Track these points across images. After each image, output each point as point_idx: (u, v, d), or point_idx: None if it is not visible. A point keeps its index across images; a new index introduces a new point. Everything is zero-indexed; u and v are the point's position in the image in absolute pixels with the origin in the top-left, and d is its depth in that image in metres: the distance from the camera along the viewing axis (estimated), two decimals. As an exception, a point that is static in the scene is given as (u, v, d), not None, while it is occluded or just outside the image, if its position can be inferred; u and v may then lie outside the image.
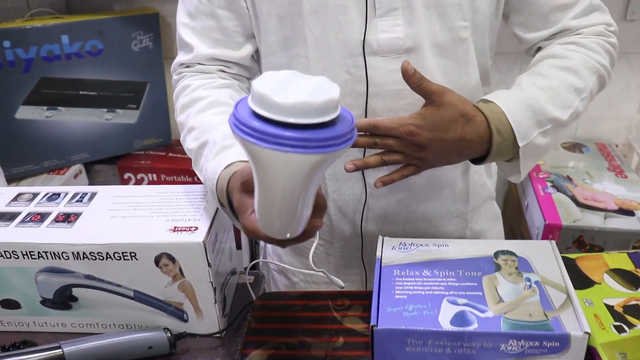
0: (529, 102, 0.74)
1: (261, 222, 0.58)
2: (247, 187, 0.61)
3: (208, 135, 0.75)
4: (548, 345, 0.58)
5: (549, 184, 1.37)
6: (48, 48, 1.43)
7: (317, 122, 0.48)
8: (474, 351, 0.60)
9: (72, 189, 0.85)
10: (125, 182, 1.67)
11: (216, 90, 0.82)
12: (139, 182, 1.67)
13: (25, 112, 1.48)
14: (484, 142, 0.73)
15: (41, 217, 0.78)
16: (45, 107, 1.49)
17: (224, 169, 0.69)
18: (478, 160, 0.76)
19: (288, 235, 0.59)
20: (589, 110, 1.59)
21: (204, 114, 0.79)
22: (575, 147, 1.57)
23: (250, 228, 0.60)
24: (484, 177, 0.93)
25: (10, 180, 1.50)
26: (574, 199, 1.30)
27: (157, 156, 1.68)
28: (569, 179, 1.40)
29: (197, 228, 0.72)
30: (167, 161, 1.67)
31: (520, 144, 0.73)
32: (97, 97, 1.55)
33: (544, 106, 0.74)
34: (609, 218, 1.21)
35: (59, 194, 0.84)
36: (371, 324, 0.62)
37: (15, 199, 0.84)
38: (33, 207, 0.81)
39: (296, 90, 0.48)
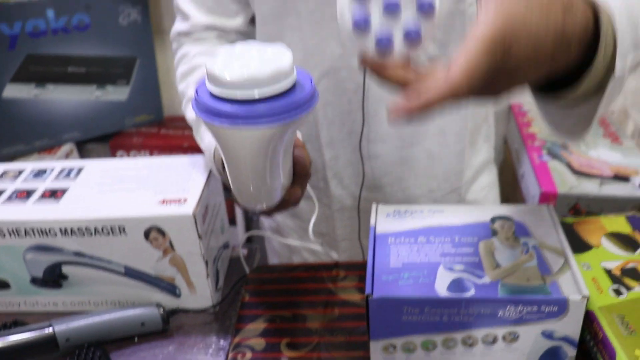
0: (630, 12, 0.48)
1: (235, 194, 0.59)
2: None
3: None
4: (546, 310, 0.57)
5: (544, 152, 1.36)
6: (33, 23, 1.40)
7: (268, 94, 0.47)
8: (472, 318, 0.59)
9: (58, 165, 0.83)
10: (117, 160, 1.65)
11: None
12: (131, 160, 1.65)
13: (12, 91, 1.45)
14: (583, 46, 0.47)
15: (27, 194, 0.76)
16: (33, 85, 1.46)
17: None
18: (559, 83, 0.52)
19: (264, 205, 0.59)
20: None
21: None
22: (571, 114, 1.55)
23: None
24: (480, 144, 0.91)
25: (1, 160, 1.48)
26: (569, 167, 1.28)
27: (150, 133, 1.66)
28: (564, 146, 1.38)
29: (186, 200, 0.70)
30: (160, 138, 1.64)
31: (618, 65, 0.47)
32: (86, 74, 1.52)
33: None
34: (605, 185, 1.20)
35: (45, 170, 0.82)
36: (366, 293, 0.60)
37: (0, 176, 0.82)
38: (19, 184, 0.79)
39: (245, 63, 0.48)
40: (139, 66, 1.60)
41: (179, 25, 0.85)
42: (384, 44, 0.46)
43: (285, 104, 0.48)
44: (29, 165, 0.84)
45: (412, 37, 0.46)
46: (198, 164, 0.78)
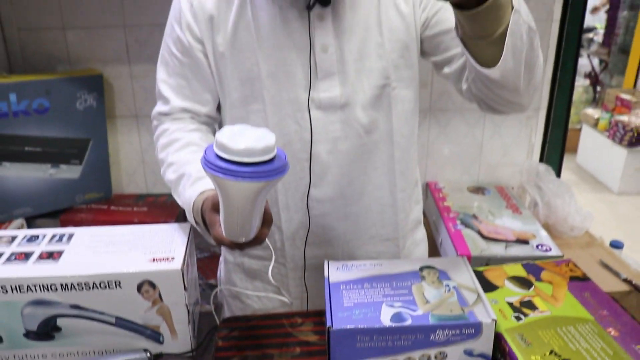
0: None
1: (225, 230, 0.78)
2: (216, 208, 0.81)
3: (184, 169, 0.93)
4: (466, 332, 0.75)
5: (458, 222, 1.58)
6: (-4, 106, 1.50)
7: (259, 160, 0.70)
8: (410, 342, 0.76)
9: (49, 232, 0.95)
10: (66, 234, 1.72)
11: (189, 133, 1.00)
12: (80, 234, 1.72)
13: (-31, 168, 1.52)
14: None
15: (25, 256, 0.87)
16: (-10, 163, 1.55)
17: (198, 195, 0.88)
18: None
19: (244, 239, 0.79)
20: (488, 159, 1.84)
21: (181, 152, 0.97)
22: (478, 190, 1.81)
23: (217, 237, 0.80)
24: (413, 205, 1.12)
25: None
26: (480, 233, 1.50)
27: (99, 209, 1.75)
28: (475, 217, 1.61)
29: (173, 258, 0.84)
30: (109, 214, 1.74)
31: (514, 6, 0.76)
32: (42, 153, 1.62)
33: (526, 8, 0.79)
34: (509, 247, 1.42)
35: (37, 236, 0.93)
36: (327, 326, 0.76)
37: (-5, 242, 0.92)
38: (15, 248, 0.90)
39: (245, 139, 0.70)
40: (92, 147, 1.72)
41: (160, 107, 1.03)
42: None
43: (271, 168, 0.70)
44: (20, 232, 0.95)
45: None
46: (178, 230, 0.93)
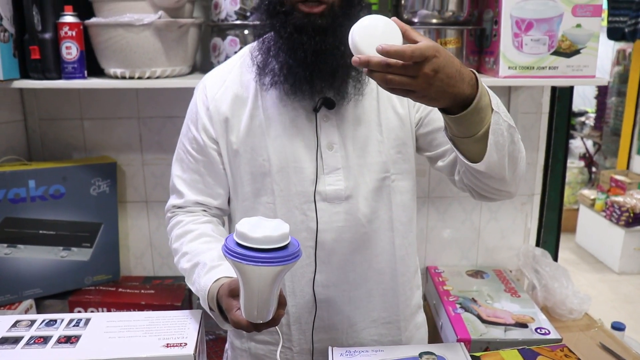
0: (495, 97, 0.89)
1: (244, 312, 0.86)
2: (233, 293, 0.88)
3: (198, 258, 1.00)
4: (464, 418, 0.79)
5: (457, 306, 1.62)
6: (15, 191, 1.58)
7: (276, 247, 0.79)
8: None
9: (67, 316, 0.99)
10: (73, 316, 1.75)
11: (202, 225, 1.07)
12: (87, 316, 1.75)
13: (-15, 250, 1.58)
14: (473, 86, 0.85)
15: (44, 340, 0.92)
16: (5, 245, 1.60)
17: (213, 282, 0.94)
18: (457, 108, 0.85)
19: (260, 321, 0.86)
20: (486, 243, 1.89)
21: (195, 242, 1.03)
22: (477, 274, 1.85)
23: (235, 320, 0.86)
24: (414, 290, 1.16)
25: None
26: (479, 317, 1.54)
27: (107, 291, 1.79)
28: (474, 300, 1.65)
29: (186, 344, 0.89)
30: (116, 296, 1.78)
31: (494, 108, 0.87)
32: (55, 236, 1.68)
33: (504, 109, 0.91)
34: (509, 331, 1.46)
35: (55, 320, 0.98)
36: (332, 411, 0.80)
37: (14, 325, 0.97)
38: (34, 332, 0.94)
39: (263, 229, 0.80)
40: (103, 231, 1.78)
41: (174, 201, 1.11)
42: None
43: (286, 254, 0.80)
44: (39, 316, 0.99)
45: None
46: (190, 317, 0.98)
